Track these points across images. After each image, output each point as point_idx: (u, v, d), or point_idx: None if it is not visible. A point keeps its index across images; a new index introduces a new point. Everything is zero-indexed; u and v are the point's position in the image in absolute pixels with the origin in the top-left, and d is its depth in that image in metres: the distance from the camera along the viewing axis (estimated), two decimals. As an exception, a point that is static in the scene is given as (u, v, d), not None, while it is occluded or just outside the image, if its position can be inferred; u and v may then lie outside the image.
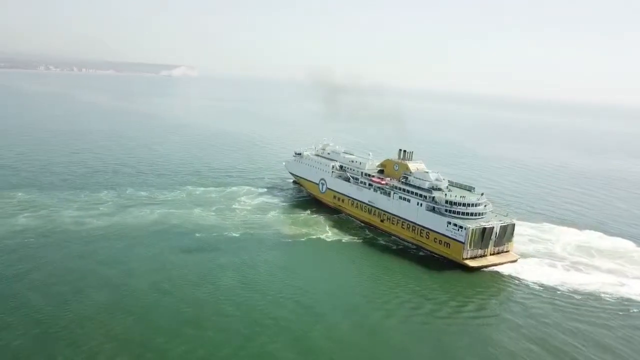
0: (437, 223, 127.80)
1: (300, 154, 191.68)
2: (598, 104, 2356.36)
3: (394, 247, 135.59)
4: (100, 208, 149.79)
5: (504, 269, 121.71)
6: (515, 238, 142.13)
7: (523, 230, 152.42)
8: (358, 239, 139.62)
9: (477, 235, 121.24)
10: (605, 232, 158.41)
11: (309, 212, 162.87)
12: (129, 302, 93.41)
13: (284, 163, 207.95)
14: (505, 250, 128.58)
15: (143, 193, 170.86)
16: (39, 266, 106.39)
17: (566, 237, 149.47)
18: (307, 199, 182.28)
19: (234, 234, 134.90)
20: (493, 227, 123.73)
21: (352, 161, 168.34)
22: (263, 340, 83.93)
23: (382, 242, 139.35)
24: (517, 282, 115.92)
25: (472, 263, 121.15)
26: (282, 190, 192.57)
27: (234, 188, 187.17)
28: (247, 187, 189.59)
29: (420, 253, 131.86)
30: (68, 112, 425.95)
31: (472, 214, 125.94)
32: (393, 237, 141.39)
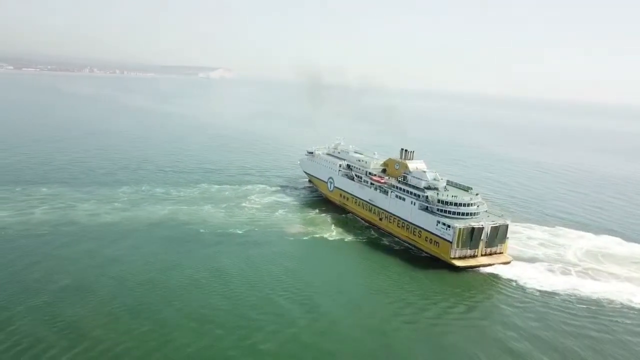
0: (428, 222, 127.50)
1: (312, 152, 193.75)
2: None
3: (396, 248, 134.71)
4: (115, 203, 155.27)
5: (503, 273, 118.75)
6: (527, 242, 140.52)
7: (534, 234, 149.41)
8: (361, 239, 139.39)
9: (465, 234, 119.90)
10: (625, 237, 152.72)
11: (317, 211, 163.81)
12: (122, 294, 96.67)
13: (298, 162, 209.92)
14: (498, 251, 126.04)
15: (159, 190, 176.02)
16: (44, 257, 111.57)
17: (580, 242, 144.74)
18: (319, 198, 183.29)
19: (237, 231, 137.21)
20: (483, 228, 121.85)
21: (359, 160, 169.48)
22: (242, 333, 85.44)
23: (385, 242, 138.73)
24: (512, 286, 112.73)
25: (459, 263, 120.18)
26: (295, 189, 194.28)
27: (249, 186, 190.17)
28: (262, 186, 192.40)
29: (423, 254, 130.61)
30: (104, 113, 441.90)
31: (462, 214, 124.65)
32: (396, 239, 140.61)
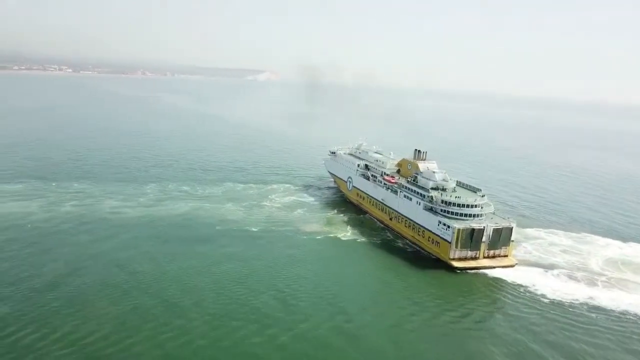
0: (431, 222, 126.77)
1: (334, 152, 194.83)
2: None
3: (408, 250, 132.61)
4: (140, 200, 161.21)
5: (512, 278, 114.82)
6: (548, 248, 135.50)
7: (558, 240, 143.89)
8: (375, 240, 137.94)
9: (464, 235, 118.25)
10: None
11: (335, 211, 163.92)
12: (125, 285, 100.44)
13: (323, 162, 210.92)
14: (502, 254, 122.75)
15: (185, 188, 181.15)
16: (56, 245, 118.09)
17: (607, 250, 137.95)
18: (340, 198, 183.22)
19: (252, 229, 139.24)
20: (483, 229, 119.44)
21: (377, 160, 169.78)
22: (233, 325, 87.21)
23: (399, 244, 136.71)
24: (519, 291, 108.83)
25: (457, 264, 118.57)
26: (319, 189, 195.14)
27: (274, 185, 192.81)
28: (287, 185, 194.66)
29: (428, 256, 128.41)
30: (147, 113, 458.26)
31: (463, 215, 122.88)
32: (405, 240, 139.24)
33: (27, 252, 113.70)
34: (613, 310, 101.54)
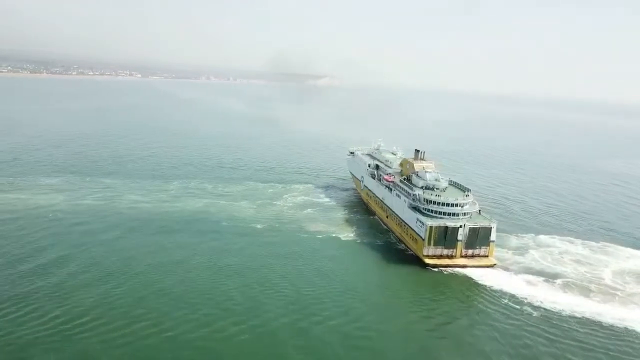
0: (412, 219, 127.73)
1: (353, 152, 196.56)
2: None
3: (408, 253, 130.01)
4: (160, 195, 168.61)
5: (490, 282, 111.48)
6: (558, 257, 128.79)
7: (574, 249, 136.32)
8: (377, 242, 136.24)
9: (437, 233, 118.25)
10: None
11: (346, 212, 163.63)
12: (108, 270, 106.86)
13: (346, 162, 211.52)
14: (481, 254, 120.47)
15: (207, 185, 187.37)
16: (68, 236, 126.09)
17: (628, 262, 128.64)
18: (356, 199, 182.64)
19: (258, 226, 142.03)
20: (458, 228, 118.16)
21: (386, 160, 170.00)
22: (205, 310, 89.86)
23: (401, 247, 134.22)
24: (491, 297, 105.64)
25: (430, 261, 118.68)
26: (339, 189, 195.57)
27: (295, 185, 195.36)
28: (308, 185, 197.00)
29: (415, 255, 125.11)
30: (200, 116, 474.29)
31: (440, 213, 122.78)
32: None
33: (35, 237, 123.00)
34: (595, 322, 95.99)
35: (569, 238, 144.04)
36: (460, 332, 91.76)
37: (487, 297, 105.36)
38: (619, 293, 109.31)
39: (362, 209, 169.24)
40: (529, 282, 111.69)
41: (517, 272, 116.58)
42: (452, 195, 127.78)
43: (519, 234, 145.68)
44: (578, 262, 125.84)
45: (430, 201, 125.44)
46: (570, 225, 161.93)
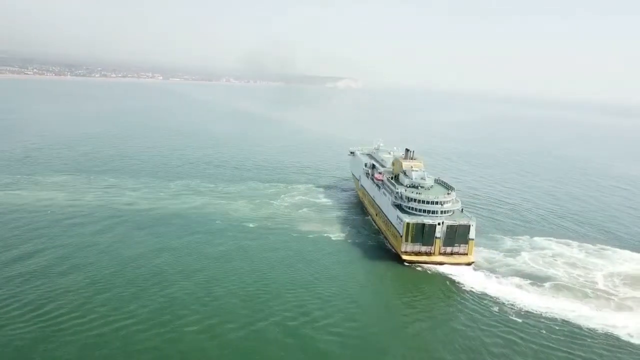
0: (394, 216, 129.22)
1: (353, 152, 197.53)
2: None
3: (394, 252, 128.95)
4: (159, 194, 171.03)
5: (467, 281, 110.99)
6: (550, 260, 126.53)
7: (569, 251, 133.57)
8: (369, 242, 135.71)
9: (414, 230, 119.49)
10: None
11: (341, 212, 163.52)
12: (86, 262, 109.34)
13: (348, 163, 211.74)
14: (461, 252, 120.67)
15: (209, 184, 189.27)
16: (55, 229, 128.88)
17: (624, 265, 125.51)
18: (356, 199, 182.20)
19: (250, 225, 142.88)
20: (435, 225, 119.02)
21: (382, 160, 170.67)
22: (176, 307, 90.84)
23: (389, 246, 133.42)
24: (463, 295, 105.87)
25: (407, 257, 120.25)
26: (339, 190, 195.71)
27: (296, 185, 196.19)
28: (309, 185, 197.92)
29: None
30: (214, 116, 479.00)
31: (419, 210, 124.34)
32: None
33: (22, 231, 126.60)
34: (580, 327, 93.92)
35: (566, 240, 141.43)
36: (433, 334, 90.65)
37: (467, 298, 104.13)
38: (612, 297, 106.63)
39: (358, 209, 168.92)
40: (515, 285, 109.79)
41: (504, 275, 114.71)
42: (434, 194, 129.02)
43: (514, 236, 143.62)
44: (572, 265, 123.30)
45: (411, 199, 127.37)
46: (570, 228, 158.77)
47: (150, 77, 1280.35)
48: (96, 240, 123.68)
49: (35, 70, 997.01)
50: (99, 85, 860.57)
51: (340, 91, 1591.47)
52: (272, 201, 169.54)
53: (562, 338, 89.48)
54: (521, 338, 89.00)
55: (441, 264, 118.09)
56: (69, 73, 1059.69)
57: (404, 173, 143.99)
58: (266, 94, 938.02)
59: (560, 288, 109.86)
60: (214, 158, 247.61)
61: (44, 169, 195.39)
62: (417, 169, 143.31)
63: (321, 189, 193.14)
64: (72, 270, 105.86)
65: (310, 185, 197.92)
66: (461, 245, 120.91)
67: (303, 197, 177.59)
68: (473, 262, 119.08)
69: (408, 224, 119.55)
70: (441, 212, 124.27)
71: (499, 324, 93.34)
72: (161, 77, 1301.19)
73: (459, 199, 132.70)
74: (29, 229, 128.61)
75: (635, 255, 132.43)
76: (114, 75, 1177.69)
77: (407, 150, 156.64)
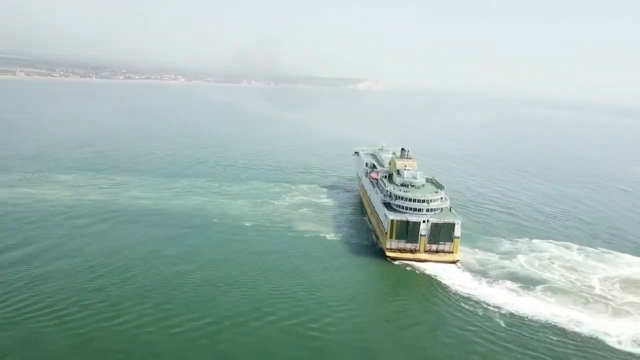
0: (382, 214, 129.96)
1: (357, 152, 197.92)
2: None
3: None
4: (163, 193, 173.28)
5: (452, 281, 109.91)
6: (546, 263, 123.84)
7: (568, 254, 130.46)
8: (365, 242, 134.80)
9: (398, 227, 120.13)
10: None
11: (341, 212, 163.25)
12: (80, 259, 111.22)
13: (353, 163, 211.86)
14: (446, 250, 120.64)
15: (214, 184, 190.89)
16: (61, 228, 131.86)
17: (624, 269, 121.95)
18: (356, 200, 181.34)
19: (246, 224, 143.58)
20: (420, 222, 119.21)
21: (382, 159, 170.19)
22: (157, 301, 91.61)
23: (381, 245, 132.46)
24: (446, 295, 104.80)
25: (391, 254, 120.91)
26: (342, 190, 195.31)
27: (300, 185, 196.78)
28: (313, 185, 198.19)
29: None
30: (225, 118, 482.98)
31: (405, 208, 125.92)
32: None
33: (26, 227, 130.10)
34: (569, 332, 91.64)
35: (566, 243, 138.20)
36: (414, 335, 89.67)
37: (453, 300, 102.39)
38: (608, 302, 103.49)
39: (358, 209, 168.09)
40: (506, 288, 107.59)
41: (496, 277, 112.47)
42: (423, 192, 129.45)
43: (513, 238, 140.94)
44: (569, 268, 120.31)
45: (399, 197, 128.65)
46: (571, 230, 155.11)
47: (173, 79, 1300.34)
48: (95, 237, 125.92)
49: (61, 72, 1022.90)
50: (123, 86, 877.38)
51: (368, 94, 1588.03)
52: (272, 201, 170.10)
53: (545, 344, 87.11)
54: (503, 341, 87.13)
55: (425, 261, 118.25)
56: (94, 75, 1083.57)
57: (398, 172, 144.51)
58: (294, 96, 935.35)
59: (554, 291, 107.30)
60: (223, 157, 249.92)
61: (52, 168, 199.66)
62: (410, 168, 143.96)
63: (325, 189, 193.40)
64: (72, 266, 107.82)
65: (314, 185, 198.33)
66: (446, 243, 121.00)
67: (304, 197, 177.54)
68: (458, 261, 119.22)
69: (392, 220, 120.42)
70: (427, 210, 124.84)
71: (480, 328, 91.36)
72: (183, 79, 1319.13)
73: (447, 198, 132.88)
74: (36, 226, 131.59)
75: (637, 259, 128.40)
76: (137, 77, 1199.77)
77: (402, 149, 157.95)
